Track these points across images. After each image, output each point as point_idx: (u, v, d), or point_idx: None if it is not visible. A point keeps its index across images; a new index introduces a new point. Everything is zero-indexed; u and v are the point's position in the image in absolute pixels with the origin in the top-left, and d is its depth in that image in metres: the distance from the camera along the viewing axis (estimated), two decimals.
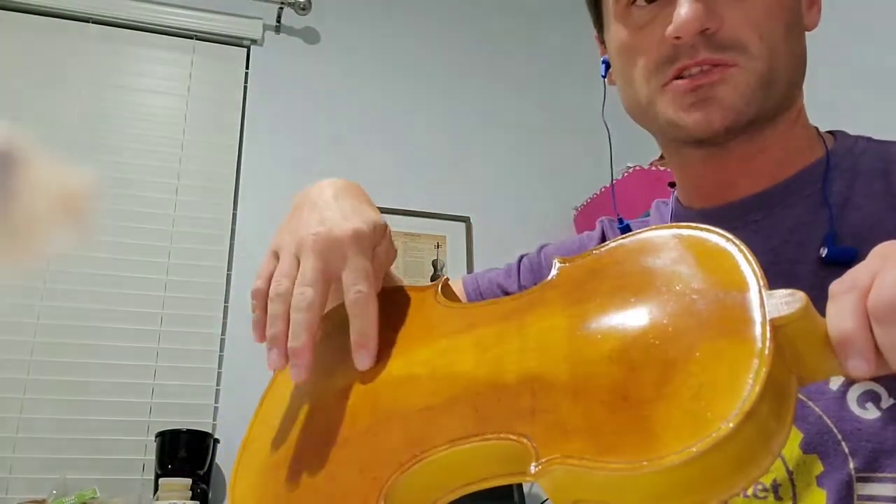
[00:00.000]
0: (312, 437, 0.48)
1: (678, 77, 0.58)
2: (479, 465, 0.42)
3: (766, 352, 0.34)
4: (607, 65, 0.70)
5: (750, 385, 0.33)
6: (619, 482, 0.34)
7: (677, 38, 0.57)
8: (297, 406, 0.51)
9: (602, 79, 0.72)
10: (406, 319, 0.52)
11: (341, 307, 0.53)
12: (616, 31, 0.64)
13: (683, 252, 0.41)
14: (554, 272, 0.47)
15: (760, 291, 0.36)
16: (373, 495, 0.42)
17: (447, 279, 0.54)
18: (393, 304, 0.54)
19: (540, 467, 0.36)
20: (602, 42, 0.70)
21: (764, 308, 0.35)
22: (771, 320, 0.34)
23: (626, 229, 0.73)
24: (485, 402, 0.42)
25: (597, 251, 0.46)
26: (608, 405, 0.37)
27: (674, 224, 0.45)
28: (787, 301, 0.35)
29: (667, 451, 0.33)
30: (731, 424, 0.32)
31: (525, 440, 0.38)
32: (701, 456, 0.32)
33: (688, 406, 0.34)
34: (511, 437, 0.39)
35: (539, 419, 0.39)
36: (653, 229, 0.44)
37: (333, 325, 0.55)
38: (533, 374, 0.41)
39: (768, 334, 0.34)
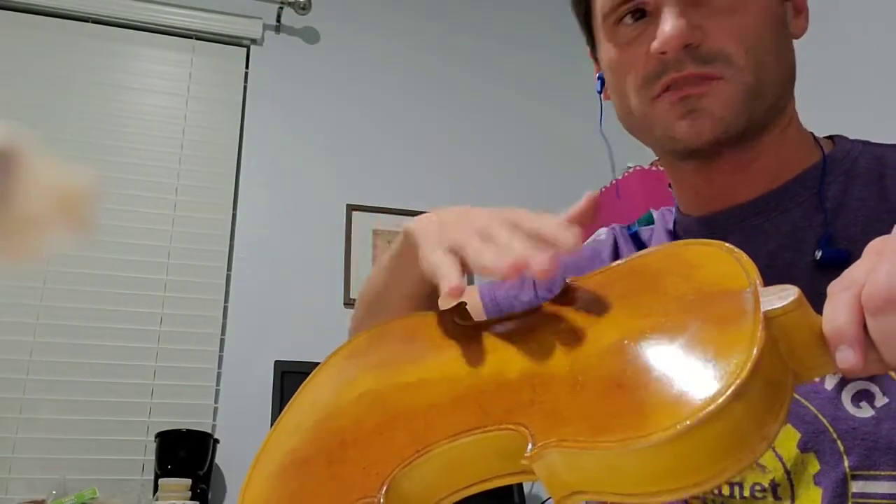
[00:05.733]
0: (321, 443, 0.49)
1: (666, 90, 0.59)
2: (481, 461, 0.42)
3: (758, 335, 0.35)
4: (602, 81, 0.71)
5: (739, 366, 0.34)
6: (611, 461, 0.36)
7: (662, 52, 0.58)
8: (310, 417, 0.52)
9: (598, 94, 0.73)
10: (420, 337, 0.54)
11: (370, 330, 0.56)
12: (606, 49, 0.65)
13: (682, 261, 0.44)
14: (561, 291, 0.51)
15: (754, 286, 0.38)
16: (374, 488, 0.42)
17: (464, 303, 0.56)
18: (410, 327, 0.56)
19: (535, 451, 0.38)
20: (596, 59, 0.72)
21: (757, 299, 0.37)
22: (764, 312, 0.36)
23: (635, 236, 0.76)
24: (487, 399, 0.44)
25: (602, 271, 0.50)
26: (603, 393, 0.38)
27: (671, 243, 0.49)
28: (781, 295, 0.36)
29: (657, 427, 0.34)
30: (719, 401, 0.33)
31: (523, 428, 0.40)
32: (690, 431, 0.33)
33: (680, 388, 0.35)
34: (510, 426, 0.41)
35: (537, 409, 0.40)
36: (653, 249, 0.49)
37: (360, 345, 0.57)
38: (534, 370, 0.43)
39: (760, 322, 0.36)
